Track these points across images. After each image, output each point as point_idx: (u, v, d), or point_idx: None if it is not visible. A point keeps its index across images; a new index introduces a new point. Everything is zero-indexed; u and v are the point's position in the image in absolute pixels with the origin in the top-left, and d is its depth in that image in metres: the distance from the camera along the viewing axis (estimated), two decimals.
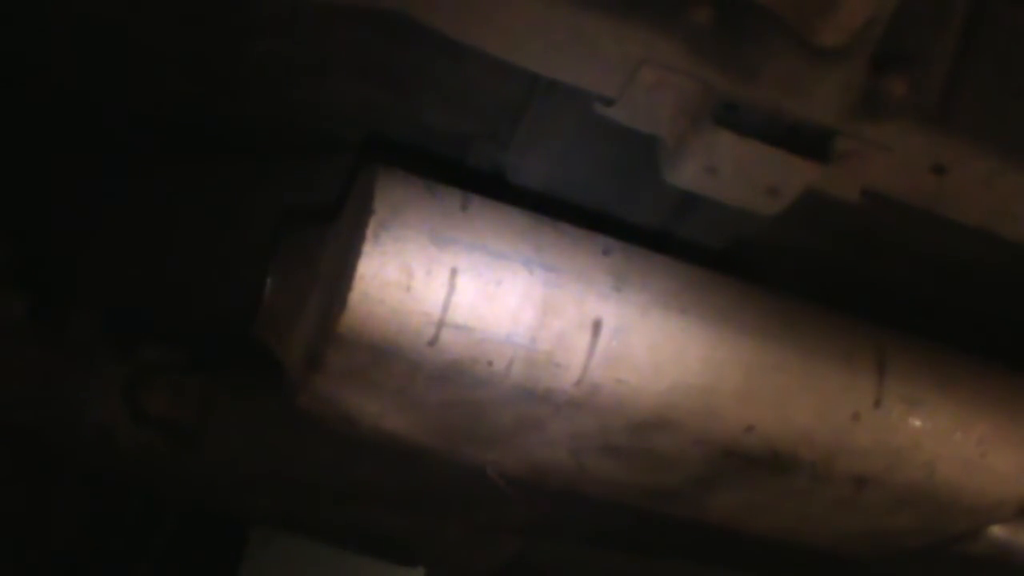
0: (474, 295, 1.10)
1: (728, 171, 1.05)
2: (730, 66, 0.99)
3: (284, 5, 1.12)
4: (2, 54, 1.23)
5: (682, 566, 1.81)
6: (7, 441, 1.52)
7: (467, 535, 1.74)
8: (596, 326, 1.14)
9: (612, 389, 1.15)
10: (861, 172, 1.06)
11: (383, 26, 1.10)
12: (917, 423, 1.24)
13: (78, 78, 1.30)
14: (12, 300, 1.42)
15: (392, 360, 1.11)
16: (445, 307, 1.09)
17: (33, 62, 1.27)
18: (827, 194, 1.08)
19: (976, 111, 1.04)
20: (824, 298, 1.28)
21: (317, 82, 1.23)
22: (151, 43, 1.21)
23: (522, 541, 1.76)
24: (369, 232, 1.08)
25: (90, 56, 1.25)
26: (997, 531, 1.49)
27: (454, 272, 1.10)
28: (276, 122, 1.35)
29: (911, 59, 1.00)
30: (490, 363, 1.12)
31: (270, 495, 1.64)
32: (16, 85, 1.29)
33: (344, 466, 1.52)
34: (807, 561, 1.53)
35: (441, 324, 1.09)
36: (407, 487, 1.57)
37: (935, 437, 1.25)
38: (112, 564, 2.10)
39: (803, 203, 1.08)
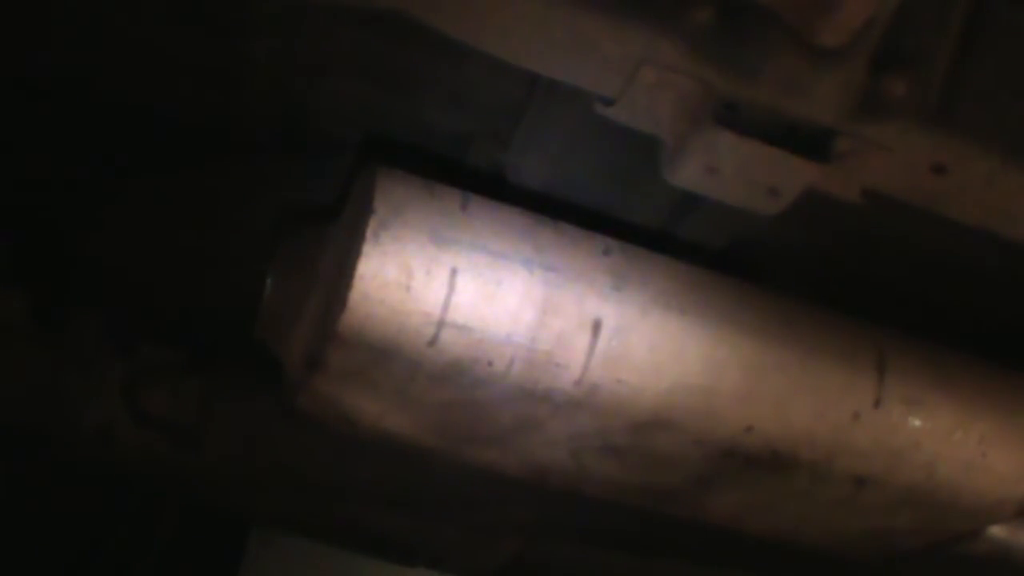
0: (474, 295, 1.10)
1: (728, 171, 1.05)
2: (730, 66, 0.99)
3: (284, 5, 1.12)
4: (2, 53, 1.23)
5: (682, 566, 1.81)
6: (7, 441, 1.52)
7: (467, 535, 1.74)
8: (596, 326, 1.14)
9: (612, 389, 1.15)
10: (861, 172, 1.06)
11: (383, 26, 1.10)
12: (917, 423, 1.24)
13: (77, 78, 1.30)
14: (12, 300, 1.42)
15: (392, 360, 1.11)
16: (445, 307, 1.09)
17: (32, 61, 1.27)
18: (827, 194, 1.08)
19: (976, 111, 1.04)
20: (824, 298, 1.28)
21: (317, 82, 1.23)
22: (151, 42, 1.21)
23: (522, 541, 1.76)
24: (369, 232, 1.08)
25: (89, 55, 1.25)
26: (997, 531, 1.49)
27: (454, 272, 1.10)
28: (276, 122, 1.35)
29: (911, 59, 1.00)
30: (490, 363, 1.12)
31: (270, 495, 1.64)
32: (16, 84, 1.29)
33: (344, 466, 1.52)
34: (807, 561, 1.52)
35: (441, 324, 1.09)
36: (407, 487, 1.57)
37: (935, 437, 1.25)
38: (112, 564, 2.10)
39: (803, 203, 1.08)
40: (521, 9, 0.97)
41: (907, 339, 1.28)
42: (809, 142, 1.03)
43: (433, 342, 1.10)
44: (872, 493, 1.27)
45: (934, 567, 1.51)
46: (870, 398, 1.22)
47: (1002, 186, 1.07)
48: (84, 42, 1.23)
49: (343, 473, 1.54)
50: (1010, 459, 1.28)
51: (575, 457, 1.24)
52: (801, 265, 1.34)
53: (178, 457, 1.49)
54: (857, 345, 1.24)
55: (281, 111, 1.32)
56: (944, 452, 1.25)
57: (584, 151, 1.20)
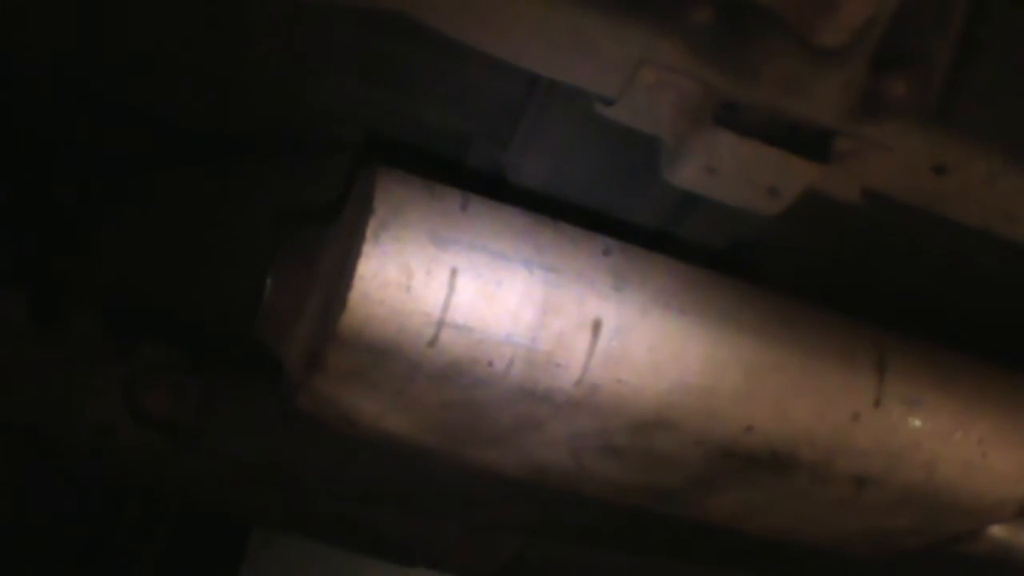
0: (474, 295, 1.10)
1: (728, 171, 1.05)
2: (730, 66, 0.99)
3: (284, 5, 1.12)
4: (4, 52, 1.23)
5: (682, 566, 1.81)
6: (7, 441, 1.52)
7: (467, 535, 1.74)
8: (596, 326, 1.14)
9: (612, 389, 1.15)
10: (861, 172, 1.06)
11: (383, 26, 1.10)
12: (917, 423, 1.24)
13: (79, 77, 1.30)
14: (12, 300, 1.42)
15: (392, 360, 1.11)
16: (445, 307, 1.09)
17: (32, 61, 1.27)
18: (827, 194, 1.08)
19: (976, 111, 1.04)
20: (824, 298, 1.28)
21: (317, 82, 1.23)
22: (151, 43, 1.21)
23: (522, 541, 1.76)
24: (369, 232, 1.08)
25: (90, 55, 1.25)
26: (997, 531, 1.49)
27: (454, 272, 1.10)
28: (276, 122, 1.35)
29: (911, 59, 1.00)
30: (490, 363, 1.12)
31: (270, 495, 1.64)
32: (17, 83, 1.29)
33: (344, 466, 1.52)
34: (807, 561, 1.53)
35: (441, 324, 1.09)
36: (407, 487, 1.57)
37: (935, 437, 1.25)
38: (112, 564, 2.10)
39: (803, 203, 1.08)
40: (521, 9, 0.97)
41: (907, 339, 1.28)
42: (809, 142, 1.03)
43: (433, 342, 1.10)
44: (872, 493, 1.27)
45: (934, 567, 1.52)
46: (870, 398, 1.22)
47: (1002, 186, 1.07)
48: (84, 42, 1.23)
49: (343, 473, 1.54)
50: (1010, 459, 1.28)
51: (575, 457, 1.24)
52: (801, 265, 1.34)
53: (178, 457, 1.49)
54: (857, 345, 1.24)
55: (281, 111, 1.32)
56: (944, 452, 1.25)
57: (584, 151, 1.20)
